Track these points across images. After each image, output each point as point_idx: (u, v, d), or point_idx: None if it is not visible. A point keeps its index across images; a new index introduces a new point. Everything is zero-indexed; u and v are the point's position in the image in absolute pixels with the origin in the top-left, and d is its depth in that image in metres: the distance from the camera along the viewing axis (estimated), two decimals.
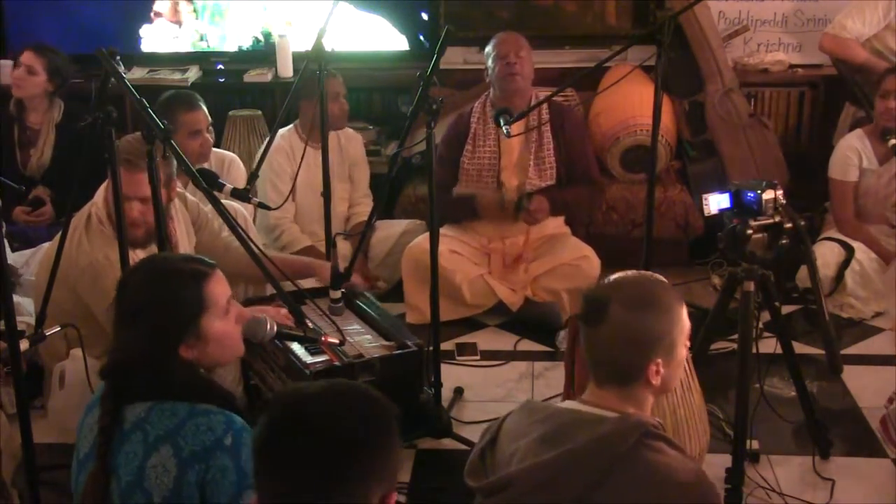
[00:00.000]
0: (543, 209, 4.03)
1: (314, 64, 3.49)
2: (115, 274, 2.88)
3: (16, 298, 3.35)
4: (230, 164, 4.08)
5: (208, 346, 1.98)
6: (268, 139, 3.51)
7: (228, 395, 2.00)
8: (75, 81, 4.75)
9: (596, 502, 1.79)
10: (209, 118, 3.88)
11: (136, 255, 3.04)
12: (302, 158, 3.71)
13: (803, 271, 3.97)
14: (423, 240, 4.04)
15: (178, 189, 3.33)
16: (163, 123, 2.47)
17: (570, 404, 1.98)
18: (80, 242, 3.17)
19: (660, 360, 1.90)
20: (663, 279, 2.01)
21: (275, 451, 1.43)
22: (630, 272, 2.03)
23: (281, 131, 4.34)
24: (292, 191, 3.76)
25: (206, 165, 3.95)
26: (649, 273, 2.06)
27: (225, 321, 2.01)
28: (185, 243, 3.32)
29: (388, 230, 4.45)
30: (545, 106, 4.03)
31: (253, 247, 2.38)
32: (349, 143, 4.44)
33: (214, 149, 4.13)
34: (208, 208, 3.45)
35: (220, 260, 3.31)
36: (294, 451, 1.41)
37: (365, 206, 4.49)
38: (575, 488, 1.79)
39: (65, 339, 3.19)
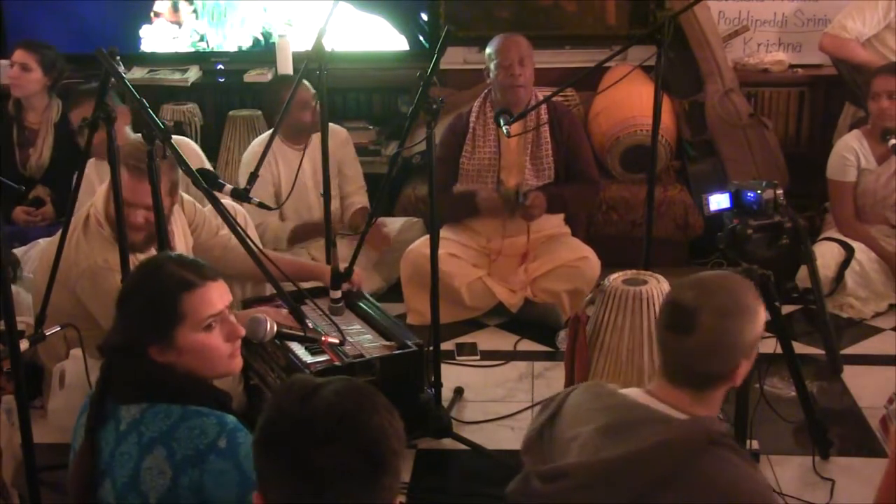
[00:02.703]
0: (539, 204, 4.02)
1: (314, 64, 3.49)
2: (115, 277, 2.88)
3: (14, 288, 3.35)
4: (183, 148, 4.00)
5: (182, 357, 1.94)
6: (268, 139, 3.51)
7: (221, 395, 1.99)
8: (75, 81, 4.75)
9: None
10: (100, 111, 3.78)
11: (136, 259, 3.03)
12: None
13: (803, 271, 3.98)
14: (420, 244, 4.04)
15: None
16: (163, 123, 2.47)
17: (638, 395, 1.93)
18: (78, 244, 3.17)
19: (745, 362, 1.89)
20: (742, 278, 2.00)
21: (305, 460, 1.38)
22: (709, 273, 2.01)
23: (258, 139, 4.37)
24: (290, 193, 3.75)
25: None
26: (728, 273, 2.03)
27: (206, 336, 1.95)
28: (181, 246, 3.31)
29: (388, 228, 4.45)
30: (544, 107, 4.02)
31: (252, 247, 2.38)
32: (333, 140, 4.43)
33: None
34: (206, 207, 3.45)
35: (221, 259, 3.33)
36: (331, 462, 1.37)
37: (360, 196, 4.49)
38: (632, 490, 1.78)
39: (64, 339, 3.19)
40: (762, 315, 1.92)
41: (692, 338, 1.84)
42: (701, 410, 1.88)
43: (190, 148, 4.09)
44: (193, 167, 2.67)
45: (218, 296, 1.98)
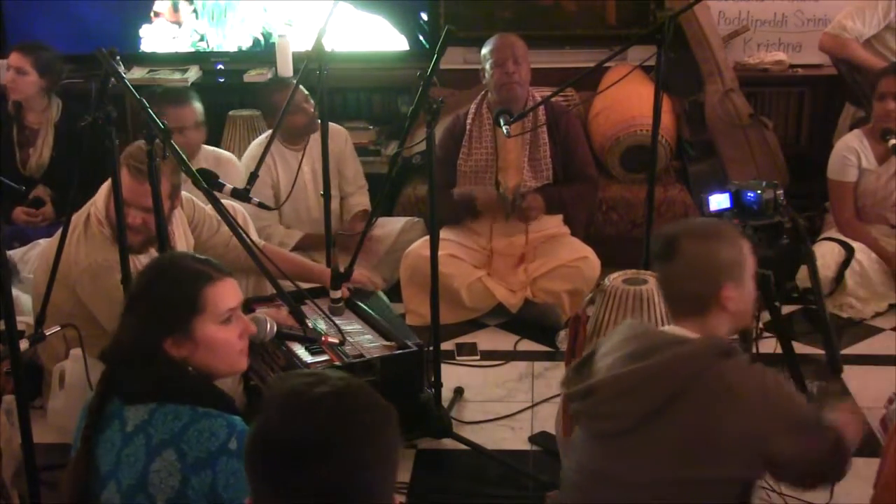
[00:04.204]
0: (537, 206, 4.02)
1: (314, 64, 3.49)
2: (115, 276, 2.88)
3: (15, 292, 3.35)
4: (226, 164, 4.08)
5: (198, 350, 1.95)
6: (268, 140, 3.51)
7: (227, 397, 1.99)
8: (75, 81, 4.75)
9: (671, 414, 1.95)
10: (199, 116, 3.87)
11: (136, 260, 3.03)
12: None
13: (803, 271, 3.97)
14: (420, 246, 4.04)
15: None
16: (162, 123, 2.46)
17: (665, 327, 2.14)
18: (78, 243, 3.16)
19: (729, 284, 2.04)
20: (729, 223, 2.23)
21: (280, 474, 1.38)
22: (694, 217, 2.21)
23: (257, 141, 4.37)
24: (290, 194, 3.75)
25: (201, 162, 3.95)
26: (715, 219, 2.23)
27: (222, 329, 1.98)
28: (182, 247, 3.30)
29: (388, 228, 4.45)
30: (541, 108, 4.02)
31: (252, 246, 2.38)
32: (332, 140, 4.44)
33: (213, 147, 4.13)
34: (207, 206, 3.45)
35: (223, 256, 3.33)
36: (301, 478, 1.36)
37: (361, 197, 4.49)
38: (653, 399, 1.96)
39: (64, 339, 3.18)
40: (743, 246, 2.09)
41: (675, 262, 2.07)
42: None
43: (233, 167, 4.09)
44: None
45: (234, 291, 2.02)
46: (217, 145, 4.94)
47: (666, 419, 1.96)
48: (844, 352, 3.77)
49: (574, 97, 4.89)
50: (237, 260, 3.14)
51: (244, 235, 2.40)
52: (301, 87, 4.11)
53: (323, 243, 4.13)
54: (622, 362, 2.04)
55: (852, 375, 3.60)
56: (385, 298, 3.51)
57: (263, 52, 5.21)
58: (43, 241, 3.90)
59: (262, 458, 1.39)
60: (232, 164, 4.11)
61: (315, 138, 3.92)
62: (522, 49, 4.02)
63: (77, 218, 3.18)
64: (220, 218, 3.33)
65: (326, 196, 3.69)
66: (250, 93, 5.06)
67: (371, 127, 5.12)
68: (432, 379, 3.25)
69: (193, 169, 2.48)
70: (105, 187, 3.19)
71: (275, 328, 2.40)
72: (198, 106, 3.89)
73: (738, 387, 1.95)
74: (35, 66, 4.41)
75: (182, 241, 3.33)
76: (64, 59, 4.58)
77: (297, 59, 4.87)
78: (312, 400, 1.40)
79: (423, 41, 5.17)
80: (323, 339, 2.61)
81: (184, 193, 3.41)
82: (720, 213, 2.81)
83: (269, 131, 4.30)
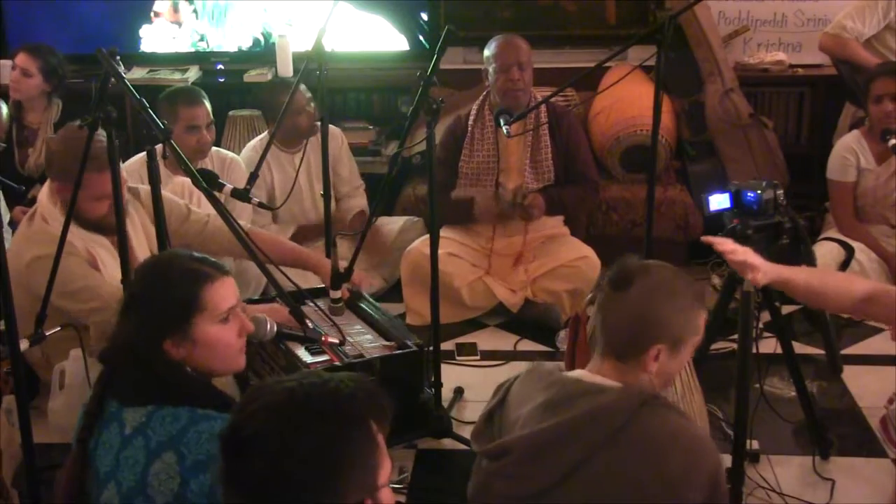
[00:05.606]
0: (538, 205, 4.02)
1: (313, 64, 3.49)
2: (47, 264, 2.83)
3: None
4: (230, 165, 4.09)
5: (196, 349, 1.95)
6: (267, 140, 3.51)
7: (225, 397, 1.99)
8: (75, 81, 4.75)
9: (595, 469, 1.83)
10: (210, 116, 3.88)
11: (96, 240, 3.08)
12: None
13: None
14: (420, 244, 4.04)
15: (127, 181, 3.25)
16: (162, 123, 2.46)
17: (576, 373, 2.01)
18: (22, 242, 3.14)
19: (662, 348, 1.93)
20: (690, 281, 2.05)
21: (231, 470, 1.41)
22: (662, 262, 2.07)
23: (251, 143, 4.37)
24: (288, 196, 3.74)
25: (207, 163, 3.96)
26: (680, 271, 2.06)
27: (221, 329, 1.98)
28: (141, 239, 3.25)
29: (387, 228, 4.46)
30: (543, 108, 4.01)
31: (252, 246, 2.37)
32: (329, 141, 4.44)
33: (217, 148, 4.13)
34: (166, 194, 3.42)
35: (199, 244, 3.31)
36: (251, 474, 1.40)
37: (359, 199, 4.49)
38: (571, 456, 1.84)
39: (40, 348, 3.12)
40: (694, 317, 1.97)
41: (623, 297, 1.94)
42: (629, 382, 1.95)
43: (238, 167, 4.10)
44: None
45: (232, 290, 2.02)
46: (217, 145, 4.95)
47: (586, 475, 1.83)
48: (844, 352, 3.77)
49: (574, 97, 4.89)
50: (221, 249, 3.15)
51: (237, 226, 2.39)
52: (305, 88, 4.11)
53: (315, 232, 4.16)
54: (538, 414, 1.91)
55: (852, 375, 3.60)
56: (373, 302, 3.51)
57: (263, 52, 5.22)
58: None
59: (221, 452, 1.43)
60: (237, 165, 4.11)
61: (311, 141, 3.93)
62: (527, 54, 3.99)
63: (27, 216, 3.21)
64: (189, 204, 3.38)
65: (326, 196, 3.69)
66: (250, 93, 5.07)
67: (371, 127, 5.12)
68: (432, 379, 3.25)
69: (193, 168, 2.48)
70: (47, 187, 3.18)
71: (275, 328, 2.39)
72: (209, 105, 3.89)
73: (664, 438, 1.85)
74: (41, 70, 4.43)
75: (140, 233, 3.26)
76: (66, 60, 4.59)
77: (297, 59, 4.87)
78: (265, 393, 1.44)
79: (423, 41, 5.17)
80: (323, 339, 2.61)
81: (142, 187, 3.34)
82: (720, 213, 2.81)
83: (264, 133, 4.31)
